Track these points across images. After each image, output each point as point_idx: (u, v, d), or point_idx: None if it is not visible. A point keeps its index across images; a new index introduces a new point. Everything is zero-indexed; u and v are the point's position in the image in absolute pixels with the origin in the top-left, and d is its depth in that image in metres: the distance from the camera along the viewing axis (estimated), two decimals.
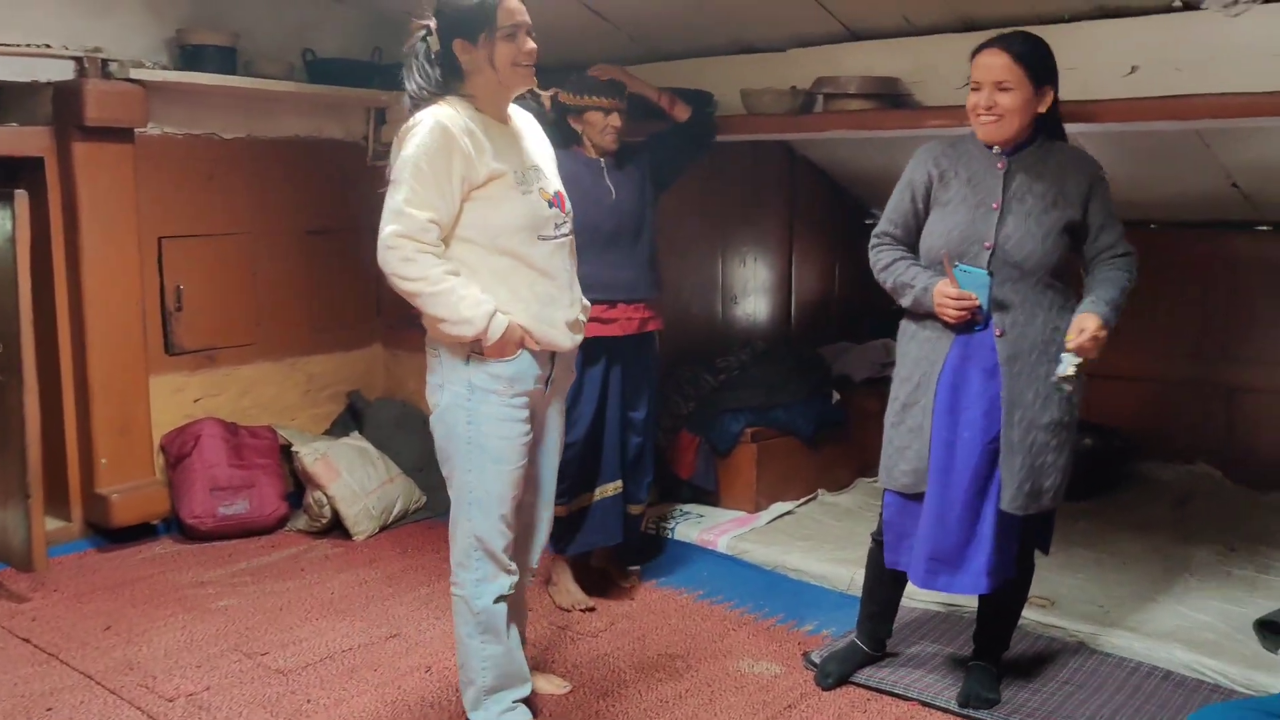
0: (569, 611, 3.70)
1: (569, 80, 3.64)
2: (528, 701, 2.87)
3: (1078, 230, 2.82)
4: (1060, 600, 3.62)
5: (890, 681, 3.13)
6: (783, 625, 3.60)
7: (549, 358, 2.74)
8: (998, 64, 2.75)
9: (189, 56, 4.40)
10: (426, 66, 2.62)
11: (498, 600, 2.74)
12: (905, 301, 2.92)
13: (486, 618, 2.74)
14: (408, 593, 3.90)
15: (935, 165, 2.91)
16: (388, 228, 2.54)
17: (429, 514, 4.74)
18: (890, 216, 3.00)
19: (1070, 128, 3.69)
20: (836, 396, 4.89)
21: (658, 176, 3.82)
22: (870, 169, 5.32)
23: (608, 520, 3.72)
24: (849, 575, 3.86)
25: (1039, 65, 2.77)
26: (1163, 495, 4.76)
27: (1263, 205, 4.62)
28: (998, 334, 2.78)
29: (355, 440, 4.81)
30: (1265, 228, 4.82)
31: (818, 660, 3.26)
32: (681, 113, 3.83)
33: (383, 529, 4.55)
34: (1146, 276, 5.05)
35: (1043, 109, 2.79)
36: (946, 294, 2.77)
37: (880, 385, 5.11)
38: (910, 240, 2.97)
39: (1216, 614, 3.47)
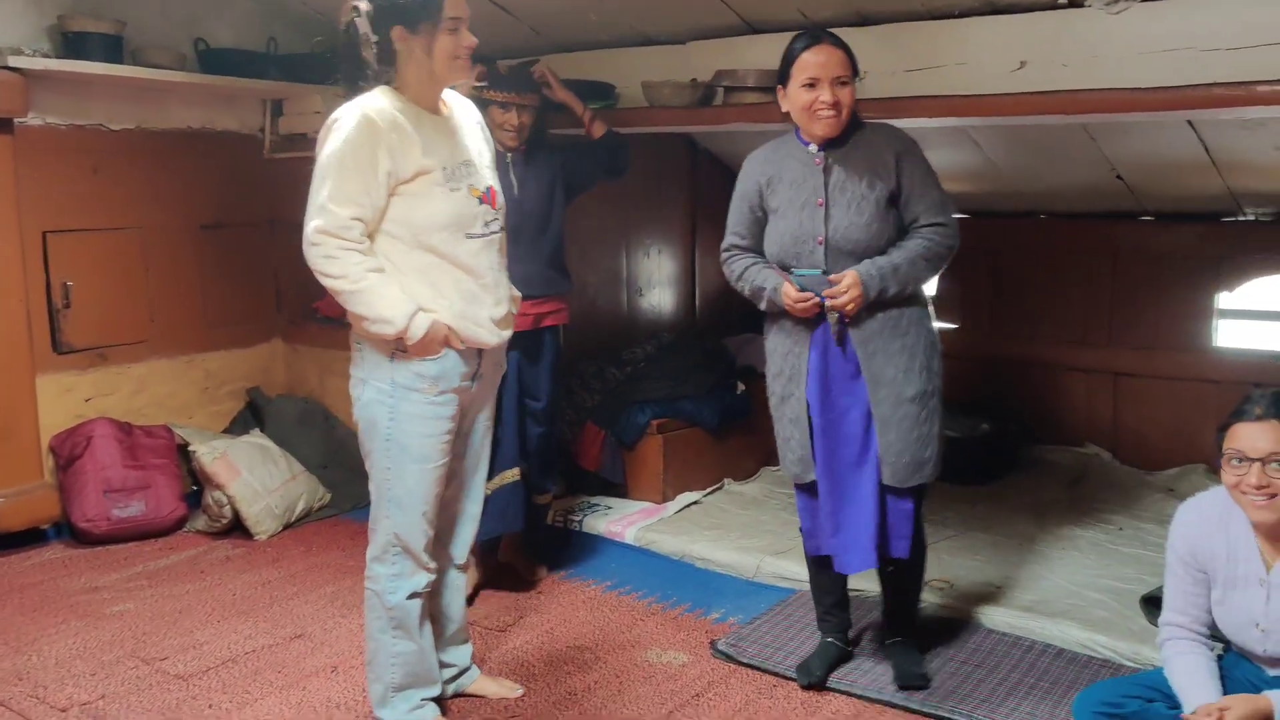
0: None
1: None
2: (438, 701, 2.85)
3: (896, 202, 2.90)
4: (958, 581, 3.71)
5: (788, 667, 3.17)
6: (690, 614, 3.63)
7: (475, 354, 2.72)
8: (836, 59, 2.84)
9: (71, 44, 4.25)
10: (361, 53, 2.60)
11: (411, 596, 2.72)
12: (762, 305, 3.02)
13: (399, 614, 2.72)
14: (312, 591, 3.84)
15: (761, 173, 3.01)
16: (311, 223, 2.51)
17: (334, 511, 4.66)
18: (734, 228, 3.09)
19: (960, 121, 3.80)
20: (741, 387, 4.94)
21: (569, 183, 3.83)
22: None
23: (508, 508, 3.71)
24: (755, 563, 3.91)
25: (855, 60, 2.90)
26: (1056, 477, 4.91)
27: (1145, 196, 4.79)
28: (847, 320, 2.88)
29: (256, 438, 4.71)
30: (1147, 218, 5.00)
31: (725, 649, 3.29)
32: (597, 130, 3.85)
33: (286, 528, 4.47)
34: (1037, 265, 5.27)
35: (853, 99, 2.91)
36: (788, 297, 2.88)
37: None
38: (758, 245, 3.05)
39: (1106, 592, 3.60)
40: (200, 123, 4.91)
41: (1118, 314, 5.09)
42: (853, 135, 2.92)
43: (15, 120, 4.14)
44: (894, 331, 2.89)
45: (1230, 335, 4.92)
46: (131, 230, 4.69)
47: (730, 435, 4.88)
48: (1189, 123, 3.90)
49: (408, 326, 2.54)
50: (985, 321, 5.51)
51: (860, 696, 3.04)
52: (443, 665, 2.96)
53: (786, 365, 3.00)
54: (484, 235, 2.68)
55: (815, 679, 3.08)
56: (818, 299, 2.83)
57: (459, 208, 2.62)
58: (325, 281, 2.55)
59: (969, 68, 3.38)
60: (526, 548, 3.94)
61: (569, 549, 4.23)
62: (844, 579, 3.18)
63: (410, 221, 2.58)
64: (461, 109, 2.78)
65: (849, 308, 2.81)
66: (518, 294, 2.92)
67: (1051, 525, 4.29)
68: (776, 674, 3.17)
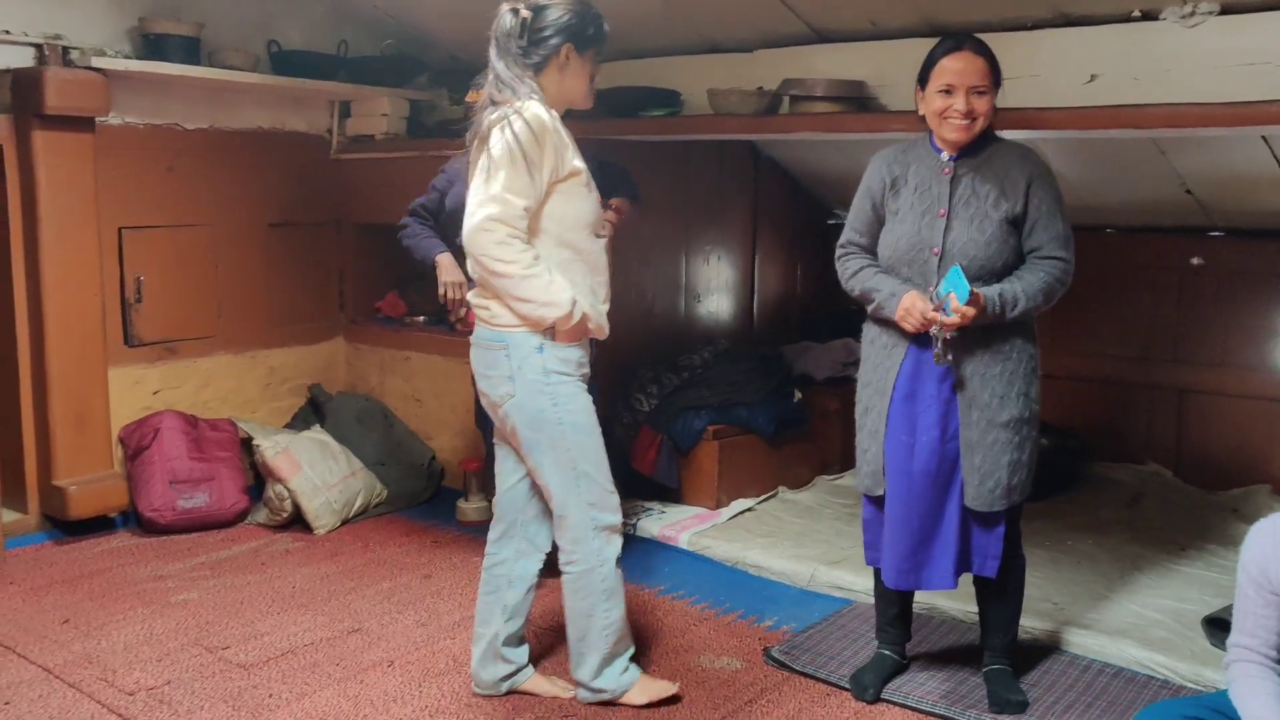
0: None
1: (476, 79, 3.64)
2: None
3: (1020, 225, 2.84)
4: None
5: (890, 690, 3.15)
6: (743, 621, 3.63)
7: (590, 345, 2.92)
8: (975, 68, 2.79)
9: (151, 46, 4.36)
10: (527, 50, 2.76)
11: (617, 563, 2.93)
12: (870, 309, 2.97)
13: (612, 581, 2.91)
14: (369, 587, 3.90)
15: (888, 172, 2.95)
16: (484, 210, 2.67)
17: (390, 508, 4.73)
18: (853, 225, 3.04)
19: (1029, 134, 3.76)
20: (798, 395, 4.94)
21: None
22: (834, 171, 5.38)
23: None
24: (809, 572, 3.90)
25: (998, 69, 2.84)
26: (1116, 495, 4.84)
27: (1215, 212, 4.72)
28: (949, 338, 2.78)
29: (316, 434, 4.79)
30: (1218, 234, 4.92)
31: (779, 657, 3.29)
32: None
33: (344, 523, 4.54)
34: (1102, 280, 5.20)
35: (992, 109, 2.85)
36: (916, 308, 2.79)
37: (841, 385, 5.18)
38: (874, 246, 3.00)
39: (1167, 612, 3.55)
40: (270, 123, 5.01)
41: (1184, 330, 5.02)
42: (986, 148, 2.87)
43: (97, 119, 4.26)
44: (995, 355, 2.84)
45: None
46: (202, 227, 4.79)
47: (785, 443, 4.88)
48: (1263, 138, 3.84)
49: (571, 311, 2.73)
50: (1048, 335, 5.38)
51: (914, 708, 3.02)
52: (502, 661, 3.01)
53: (875, 376, 2.97)
54: (602, 237, 2.92)
55: (869, 695, 3.06)
56: (928, 320, 2.76)
57: (593, 208, 2.84)
58: (494, 267, 2.68)
59: (1039, 80, 3.36)
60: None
61: (622, 553, 4.24)
62: (909, 593, 3.14)
63: (561, 217, 2.76)
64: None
65: (956, 322, 2.71)
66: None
67: (1111, 544, 4.24)
68: (830, 683, 3.17)
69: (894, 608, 3.17)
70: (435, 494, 4.92)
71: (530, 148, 2.66)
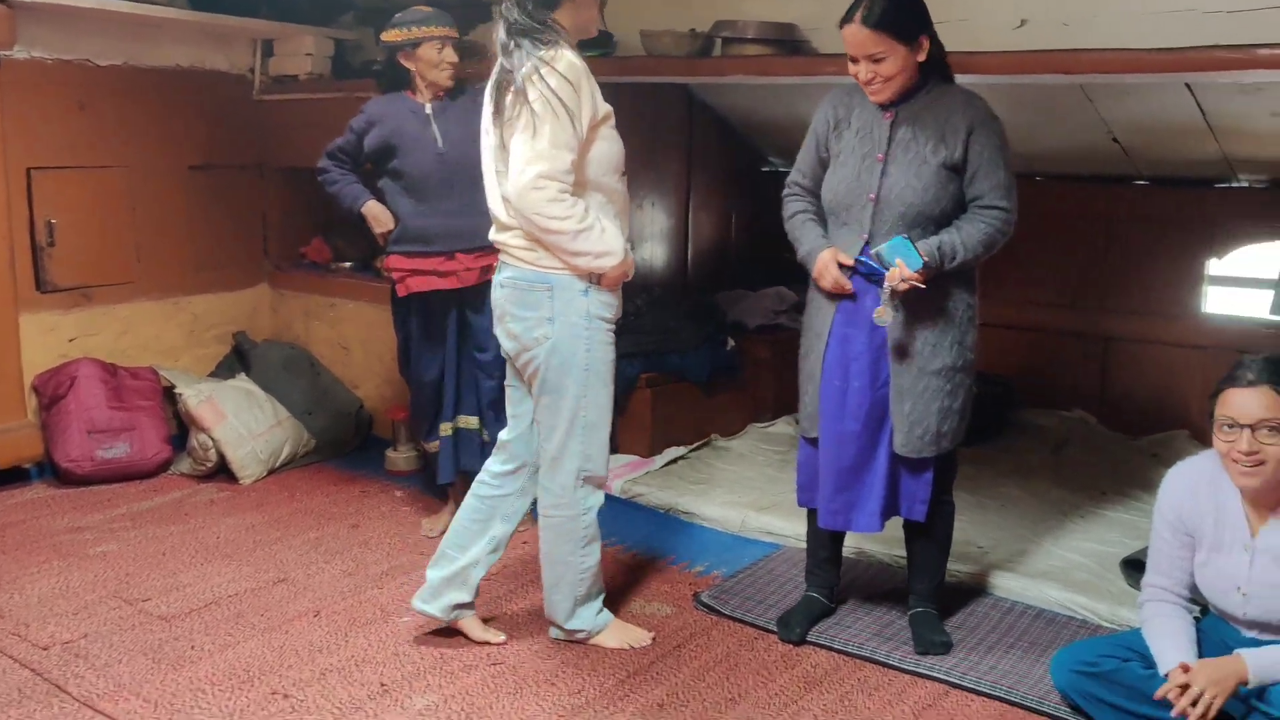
0: (430, 538, 3.74)
1: (396, 17, 3.57)
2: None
3: (961, 172, 2.81)
4: None
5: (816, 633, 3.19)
6: (674, 567, 3.64)
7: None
8: (861, 38, 2.72)
9: None
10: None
11: (598, 512, 3.00)
12: (799, 256, 2.97)
13: (594, 531, 2.99)
14: (296, 537, 3.84)
15: (833, 114, 2.94)
16: (533, 168, 2.66)
17: (317, 458, 4.65)
18: (799, 165, 3.03)
19: (959, 79, 3.75)
20: (731, 343, 4.93)
21: None
22: (768, 116, 5.33)
23: (471, 448, 3.73)
24: (740, 518, 3.92)
25: (902, 25, 2.72)
26: (1041, 441, 4.92)
27: (1140, 160, 4.76)
28: (898, 297, 2.78)
29: (241, 382, 4.69)
30: (1142, 182, 4.98)
31: (708, 601, 3.31)
32: None
33: (270, 473, 4.46)
34: (1030, 227, 5.21)
35: (922, 58, 2.78)
36: (830, 272, 2.83)
37: (773, 332, 5.18)
38: (818, 189, 2.98)
39: (1088, 554, 3.62)
40: (190, 61, 4.84)
41: (1109, 278, 5.08)
42: (931, 92, 2.83)
43: (1, 53, 4.07)
44: (931, 304, 2.81)
45: (1219, 302, 4.92)
46: (118, 169, 4.63)
47: (719, 390, 4.88)
48: (1187, 86, 3.87)
49: (626, 257, 2.80)
50: (977, 283, 5.49)
51: (840, 651, 3.05)
52: (466, 590, 3.04)
53: (814, 321, 2.98)
54: (625, 174, 2.92)
55: (795, 635, 3.08)
56: (849, 289, 2.81)
57: (621, 148, 2.86)
58: (548, 224, 2.68)
59: (969, 24, 3.35)
60: None
61: None
62: (839, 536, 3.18)
63: (596, 161, 2.77)
64: None
65: (907, 284, 2.72)
66: None
67: (1036, 488, 4.31)
68: (758, 626, 3.19)
69: (824, 550, 3.19)
70: (363, 443, 4.86)
71: (570, 98, 2.66)
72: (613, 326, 2.90)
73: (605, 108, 2.78)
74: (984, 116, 2.81)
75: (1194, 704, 2.33)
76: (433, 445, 3.81)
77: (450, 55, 3.55)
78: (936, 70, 2.85)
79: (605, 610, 3.10)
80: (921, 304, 2.81)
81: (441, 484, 3.87)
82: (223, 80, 4.97)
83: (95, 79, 4.51)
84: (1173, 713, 2.36)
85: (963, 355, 2.89)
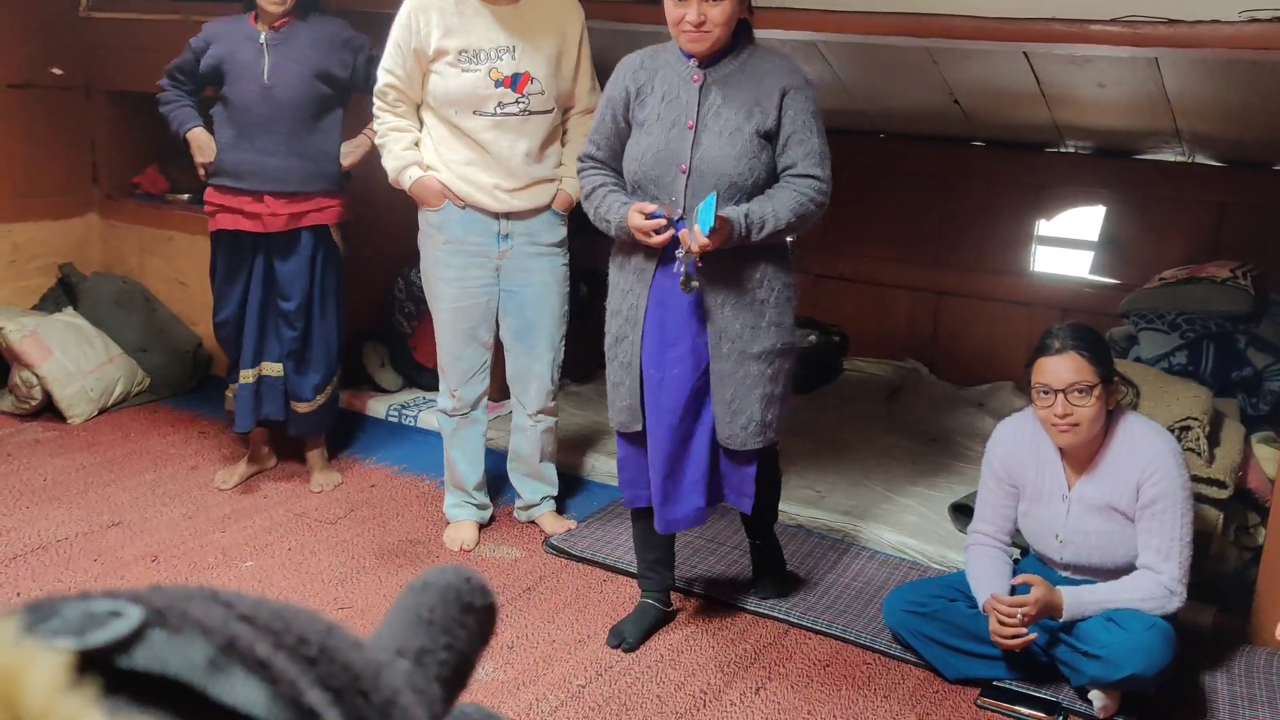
0: (223, 490, 3.67)
1: None
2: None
3: (774, 140, 2.63)
4: (781, 486, 3.86)
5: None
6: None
7: (492, 218, 3.17)
8: None
9: None
10: None
11: (448, 414, 3.38)
12: (611, 232, 2.73)
13: (443, 427, 3.43)
14: (131, 479, 3.71)
15: (632, 80, 2.71)
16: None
17: (153, 397, 4.48)
18: (593, 138, 2.80)
19: (811, 36, 3.82)
20: (583, 289, 4.94)
21: (334, 78, 3.48)
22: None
23: (275, 396, 3.65)
24: (589, 462, 3.98)
25: None
26: (875, 389, 5.13)
27: (978, 123, 4.97)
28: (699, 265, 2.57)
29: (69, 316, 4.47)
30: (979, 143, 5.19)
31: (558, 544, 3.36)
32: None
33: (102, 412, 4.28)
34: (871, 183, 5.42)
35: (745, 14, 2.63)
36: (637, 227, 2.58)
37: None
38: (615, 162, 2.77)
39: (918, 499, 3.82)
40: None
41: (945, 235, 5.30)
42: (740, 55, 2.64)
43: None
44: (746, 284, 2.63)
45: (1046, 261, 5.20)
46: None
47: (571, 336, 4.88)
48: (1025, 55, 4.05)
49: (398, 177, 3.15)
50: (818, 236, 5.63)
51: (684, 590, 3.15)
52: (517, 494, 3.57)
53: (625, 305, 2.75)
54: (494, 115, 3.07)
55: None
56: (673, 230, 2.56)
57: (469, 87, 3.03)
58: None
59: None
60: (307, 451, 3.82)
61: (404, 444, 4.20)
62: (672, 538, 3.00)
63: (434, 94, 3.09)
64: (554, 4, 3.12)
65: (700, 248, 2.49)
66: (561, 179, 3.24)
67: (869, 434, 4.50)
68: (606, 565, 3.26)
69: (654, 551, 2.97)
70: (201, 382, 4.69)
71: (397, 29, 3.06)
72: (442, 245, 3.19)
73: (443, 44, 3.02)
74: (799, 81, 2.63)
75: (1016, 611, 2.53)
76: (231, 389, 3.69)
77: None
78: (746, 33, 2.68)
79: (466, 509, 3.46)
80: (735, 284, 2.63)
81: (240, 432, 3.71)
82: None
83: None
84: (993, 603, 2.57)
85: (782, 338, 2.70)
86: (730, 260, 2.60)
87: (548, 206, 3.23)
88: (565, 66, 3.15)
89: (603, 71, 3.07)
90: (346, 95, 3.52)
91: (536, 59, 3.07)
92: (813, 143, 2.62)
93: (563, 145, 3.26)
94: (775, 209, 2.56)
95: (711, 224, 2.43)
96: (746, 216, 2.54)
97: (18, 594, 2.91)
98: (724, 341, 2.67)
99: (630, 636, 2.88)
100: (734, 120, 2.59)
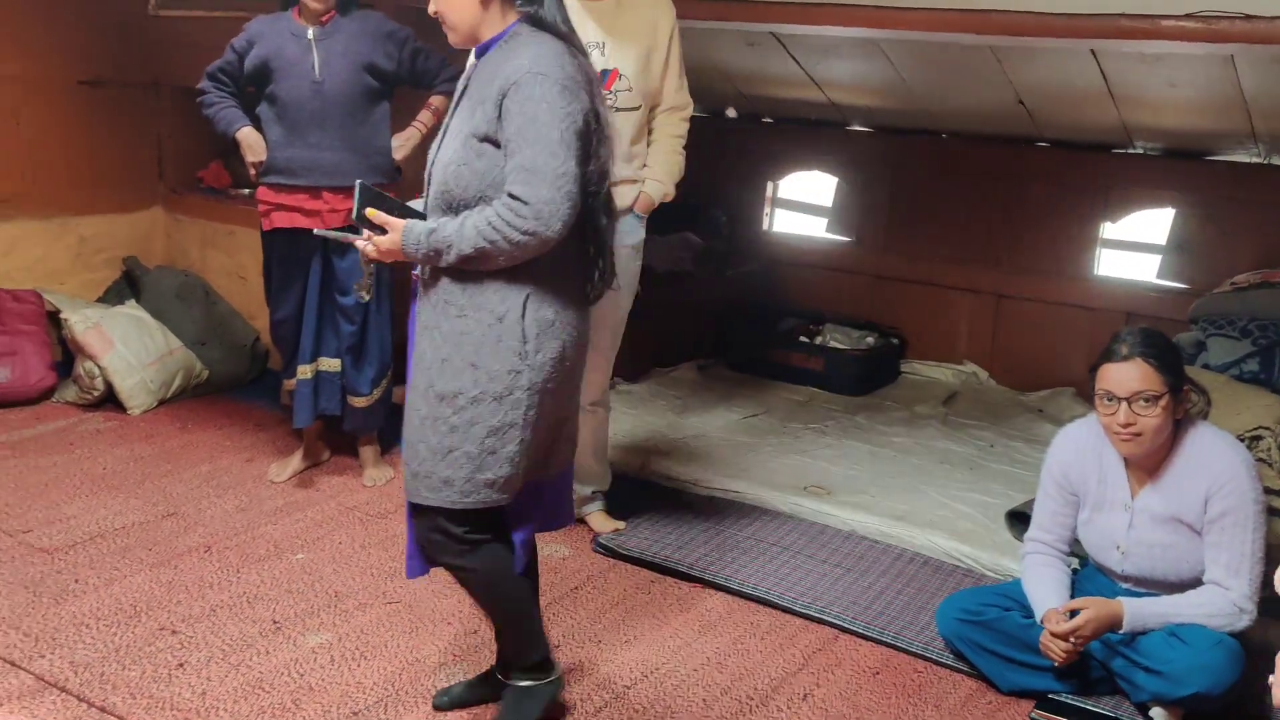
0: (276, 483, 3.69)
1: None
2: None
3: (500, 147, 2.13)
4: (835, 489, 3.81)
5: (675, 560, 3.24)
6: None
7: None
8: None
9: None
10: None
11: None
12: None
13: None
14: (187, 470, 3.75)
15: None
16: None
17: (211, 389, 4.54)
18: None
19: (872, 33, 3.76)
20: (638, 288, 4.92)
21: (383, 72, 3.50)
22: None
23: (332, 391, 3.65)
24: (640, 461, 3.95)
25: None
26: (932, 392, 5.05)
27: (1043, 123, 4.87)
28: (416, 276, 2.27)
29: (131, 309, 4.54)
30: (1044, 145, 5.09)
31: (606, 544, 3.33)
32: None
33: (161, 403, 4.34)
34: (933, 184, 5.33)
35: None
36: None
37: (681, 278, 5.20)
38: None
39: (974, 505, 3.74)
40: None
41: (1007, 237, 5.20)
42: (511, 41, 2.16)
43: None
44: (448, 307, 2.16)
45: (1110, 264, 5.08)
46: (1, 80, 4.39)
47: (623, 335, 4.86)
48: (1093, 52, 3.95)
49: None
50: (881, 237, 5.58)
51: (736, 592, 3.11)
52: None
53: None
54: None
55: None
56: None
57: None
58: None
59: None
60: (360, 446, 3.82)
61: None
62: (528, 589, 2.48)
63: None
64: (645, 1, 3.07)
65: (371, 253, 2.23)
66: (645, 178, 3.18)
67: (926, 438, 4.43)
68: (655, 566, 3.23)
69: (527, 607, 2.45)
70: (259, 376, 4.74)
71: None
72: None
73: None
74: (525, 72, 2.07)
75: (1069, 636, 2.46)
76: (289, 384, 3.70)
77: None
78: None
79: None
80: (439, 305, 2.18)
81: (298, 427, 3.71)
82: None
83: None
84: (1048, 626, 2.50)
85: (480, 384, 2.13)
86: (442, 283, 2.18)
87: (629, 209, 3.19)
88: (654, 64, 3.14)
89: (695, 71, 3.07)
90: (392, 88, 3.55)
91: (625, 56, 3.05)
92: (524, 153, 2.06)
93: (647, 145, 3.23)
94: (463, 232, 2.08)
95: (352, 214, 2.21)
96: (431, 234, 2.12)
97: (75, 581, 2.95)
98: (417, 369, 2.22)
99: (445, 695, 2.53)
100: (458, 121, 2.20)
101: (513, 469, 2.18)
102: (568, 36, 2.17)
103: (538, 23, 2.16)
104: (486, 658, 2.69)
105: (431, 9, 2.20)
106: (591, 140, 2.14)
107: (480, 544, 2.25)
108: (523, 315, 2.14)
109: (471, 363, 2.14)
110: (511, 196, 2.05)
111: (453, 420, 2.15)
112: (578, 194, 2.09)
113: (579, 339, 2.25)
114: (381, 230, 2.20)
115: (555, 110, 2.05)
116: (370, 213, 2.19)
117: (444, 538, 2.23)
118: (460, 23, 2.19)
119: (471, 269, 2.12)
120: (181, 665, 2.60)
